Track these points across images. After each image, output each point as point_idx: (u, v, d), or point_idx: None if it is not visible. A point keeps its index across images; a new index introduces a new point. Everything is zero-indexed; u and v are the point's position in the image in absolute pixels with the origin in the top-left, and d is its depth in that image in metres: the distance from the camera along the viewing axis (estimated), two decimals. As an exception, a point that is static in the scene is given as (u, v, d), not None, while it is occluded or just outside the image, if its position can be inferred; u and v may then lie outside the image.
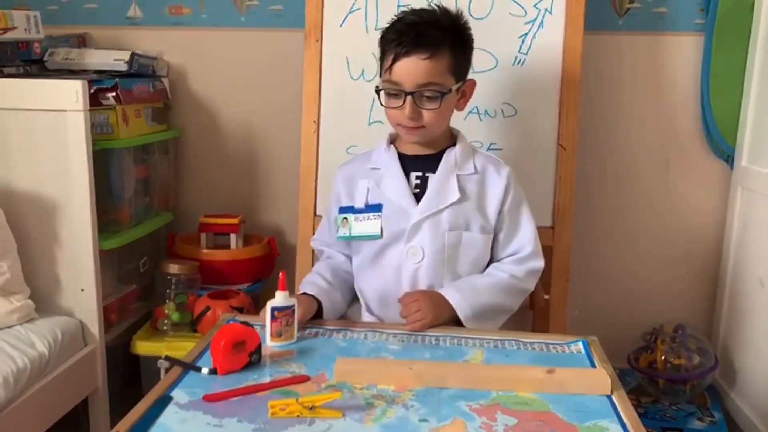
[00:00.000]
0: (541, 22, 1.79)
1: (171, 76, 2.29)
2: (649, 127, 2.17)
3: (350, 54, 1.84)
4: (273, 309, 1.21)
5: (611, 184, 2.21)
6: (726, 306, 2.13)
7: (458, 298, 1.35)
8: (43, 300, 1.78)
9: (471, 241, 1.40)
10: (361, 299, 1.48)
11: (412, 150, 1.44)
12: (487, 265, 1.45)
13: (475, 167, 1.42)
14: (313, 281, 1.42)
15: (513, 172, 1.44)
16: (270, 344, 1.21)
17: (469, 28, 1.41)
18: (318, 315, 1.35)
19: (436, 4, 1.42)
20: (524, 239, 1.44)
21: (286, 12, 2.22)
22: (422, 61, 1.31)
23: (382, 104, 1.38)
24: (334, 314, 1.40)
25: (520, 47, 1.80)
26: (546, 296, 1.73)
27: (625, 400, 1.04)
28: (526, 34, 1.80)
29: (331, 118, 1.86)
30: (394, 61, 1.33)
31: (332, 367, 1.11)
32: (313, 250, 1.83)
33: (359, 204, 1.43)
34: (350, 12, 1.85)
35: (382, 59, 1.39)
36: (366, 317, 1.45)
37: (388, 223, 1.40)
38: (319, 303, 1.36)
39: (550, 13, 1.79)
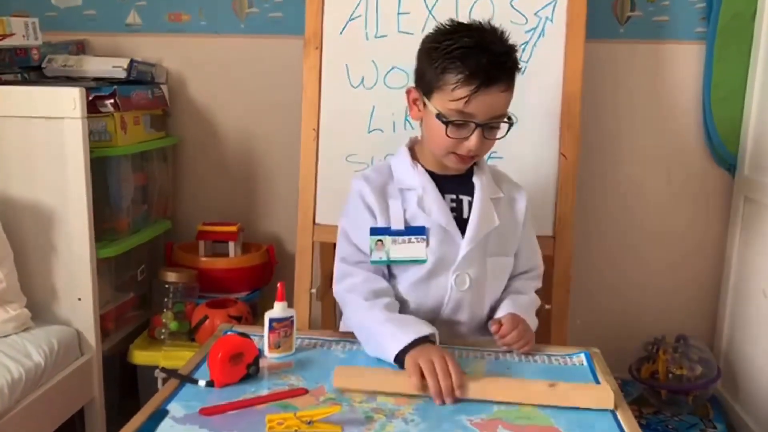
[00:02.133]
0: (542, 30, 1.78)
1: (170, 83, 2.28)
2: (650, 135, 2.16)
3: (350, 61, 1.83)
4: (271, 320, 1.19)
5: (613, 192, 2.20)
6: (728, 316, 2.12)
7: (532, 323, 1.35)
8: (39, 309, 1.77)
9: (505, 265, 1.40)
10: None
11: (439, 169, 1.35)
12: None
13: (502, 191, 1.39)
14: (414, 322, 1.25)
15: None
16: (268, 356, 1.19)
17: None
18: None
19: (486, 24, 1.28)
20: (537, 260, 1.46)
21: (286, 19, 2.21)
22: (501, 94, 1.25)
23: (448, 136, 1.25)
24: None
25: (521, 56, 1.78)
26: (547, 306, 1.72)
27: (628, 414, 1.03)
28: (527, 42, 1.79)
29: (331, 125, 1.84)
30: (474, 93, 1.22)
31: (331, 380, 1.09)
32: (311, 259, 1.83)
33: (396, 225, 1.33)
34: (350, 19, 1.84)
35: (436, 79, 1.25)
36: None
37: (433, 248, 1.32)
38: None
39: (551, 21, 1.78)
